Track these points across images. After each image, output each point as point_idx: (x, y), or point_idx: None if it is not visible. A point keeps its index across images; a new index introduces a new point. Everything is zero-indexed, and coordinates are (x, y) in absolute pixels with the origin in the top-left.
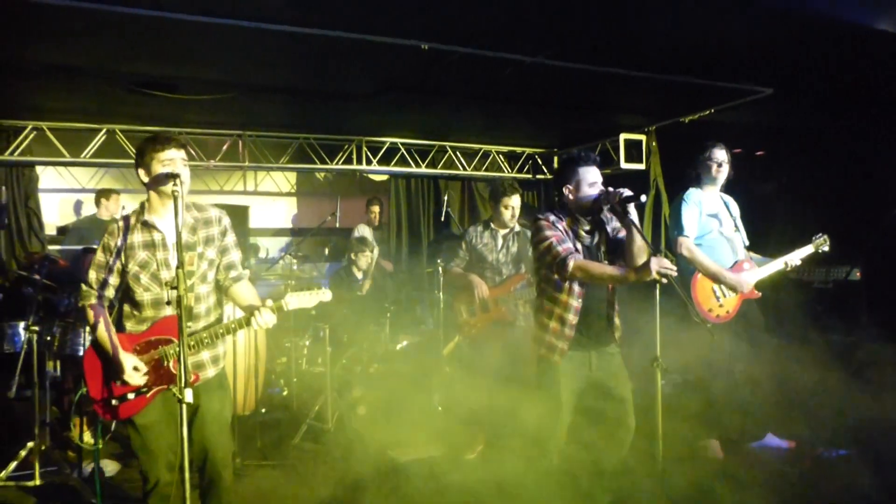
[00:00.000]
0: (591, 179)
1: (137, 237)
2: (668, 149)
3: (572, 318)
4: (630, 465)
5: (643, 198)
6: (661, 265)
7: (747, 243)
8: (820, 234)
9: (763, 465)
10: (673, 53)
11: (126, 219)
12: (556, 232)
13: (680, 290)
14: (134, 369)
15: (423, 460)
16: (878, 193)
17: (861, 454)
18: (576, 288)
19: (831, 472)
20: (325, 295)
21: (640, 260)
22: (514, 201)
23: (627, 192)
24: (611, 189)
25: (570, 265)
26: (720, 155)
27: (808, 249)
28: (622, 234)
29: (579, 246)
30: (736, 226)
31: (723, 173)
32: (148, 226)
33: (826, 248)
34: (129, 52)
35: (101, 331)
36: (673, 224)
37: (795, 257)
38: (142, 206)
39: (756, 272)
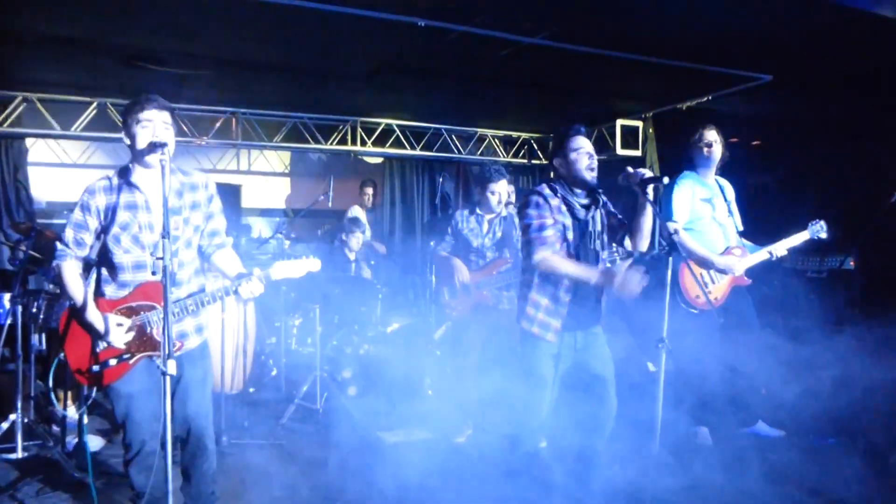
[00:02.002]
0: (575, 146)
1: (120, 197)
2: (665, 136)
3: (564, 296)
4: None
5: (665, 179)
6: (629, 284)
7: (741, 229)
8: (816, 221)
9: (752, 453)
10: (671, 38)
11: (108, 178)
12: (541, 212)
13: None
14: (117, 325)
15: (412, 443)
16: (873, 182)
17: (850, 443)
18: None
19: (820, 460)
20: (314, 264)
21: (644, 243)
22: (501, 186)
23: (649, 173)
24: (630, 169)
25: (535, 255)
26: (710, 135)
27: (803, 236)
28: (618, 217)
29: (569, 222)
30: (730, 211)
31: (715, 154)
32: (132, 186)
33: (823, 235)
34: (123, 23)
35: (79, 291)
36: (663, 209)
37: (783, 247)
38: (126, 167)
39: (748, 258)
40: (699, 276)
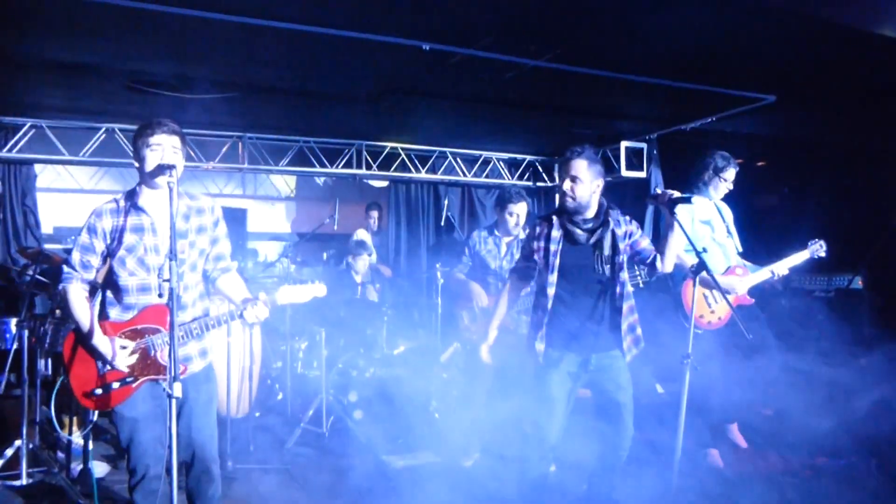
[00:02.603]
0: (562, 175)
1: (126, 220)
2: (670, 157)
3: (546, 318)
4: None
5: (694, 199)
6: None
7: (740, 249)
8: (815, 240)
9: (762, 474)
10: (675, 60)
11: (115, 201)
12: (529, 241)
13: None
14: (121, 348)
15: (419, 466)
16: (878, 201)
17: (859, 464)
18: (548, 286)
19: (830, 481)
20: (320, 290)
21: (669, 263)
22: (520, 209)
23: (676, 194)
24: (660, 191)
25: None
26: (732, 174)
27: (803, 255)
28: (636, 238)
29: (553, 247)
30: (728, 231)
31: (725, 190)
32: (138, 209)
33: (822, 254)
34: (130, 48)
35: (84, 314)
36: (664, 232)
37: (784, 266)
38: (133, 189)
39: (749, 278)
40: (703, 296)
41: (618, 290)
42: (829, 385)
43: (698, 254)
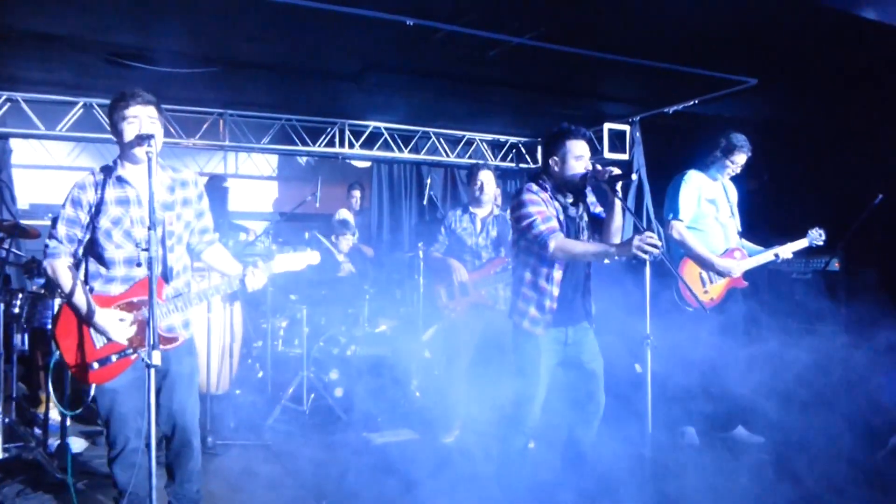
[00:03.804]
0: (577, 153)
1: (110, 192)
2: (652, 140)
3: (555, 290)
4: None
5: (634, 176)
6: (644, 241)
7: (740, 230)
8: (815, 228)
9: (739, 453)
10: (658, 40)
11: (93, 173)
12: (541, 207)
13: (671, 266)
14: (119, 321)
15: (400, 443)
16: (857, 185)
17: (833, 442)
18: (556, 263)
19: (807, 458)
20: (314, 257)
21: (616, 239)
22: (486, 176)
23: (616, 171)
24: (598, 166)
25: (550, 246)
26: (742, 159)
27: (802, 243)
28: (598, 209)
29: (563, 217)
30: (732, 212)
31: (731, 173)
32: (122, 181)
33: (821, 243)
34: (109, 20)
35: (77, 289)
36: (668, 205)
37: (788, 250)
38: (115, 161)
39: (746, 261)
40: (699, 275)
41: (591, 263)
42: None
43: (642, 229)
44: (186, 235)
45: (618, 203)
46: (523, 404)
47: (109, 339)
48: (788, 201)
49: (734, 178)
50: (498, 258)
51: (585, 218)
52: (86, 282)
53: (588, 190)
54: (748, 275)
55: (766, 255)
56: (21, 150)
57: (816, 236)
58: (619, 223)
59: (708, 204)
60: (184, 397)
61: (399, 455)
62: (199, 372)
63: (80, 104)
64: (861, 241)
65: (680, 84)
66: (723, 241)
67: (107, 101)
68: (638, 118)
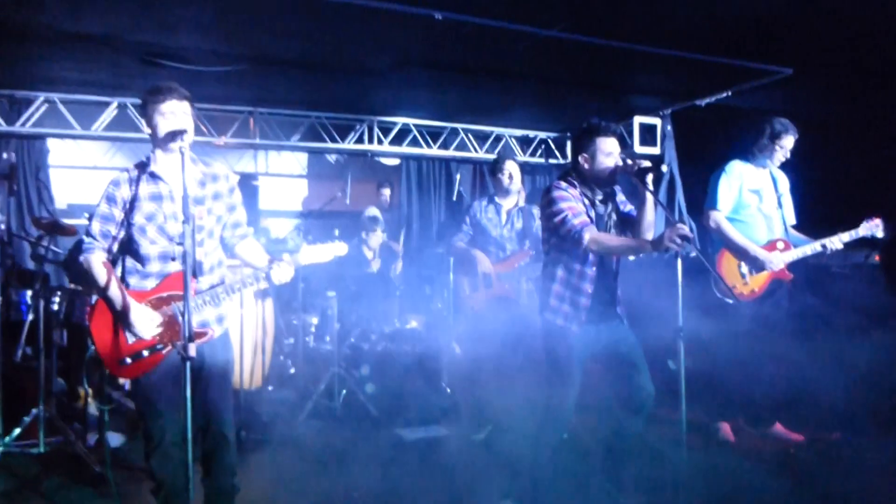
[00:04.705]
0: (607, 150)
1: (143, 189)
2: (684, 133)
3: (588, 287)
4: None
5: (664, 168)
6: (675, 233)
7: (793, 222)
8: (871, 218)
9: (774, 448)
10: (689, 30)
11: (128, 170)
12: (571, 203)
13: (703, 259)
14: (148, 318)
15: (431, 439)
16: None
17: (874, 440)
18: (591, 256)
19: (843, 456)
20: (340, 248)
21: (649, 235)
22: (512, 166)
23: (646, 163)
24: (628, 160)
25: (585, 239)
26: (791, 142)
27: (854, 233)
28: (628, 207)
29: (593, 214)
30: (779, 203)
31: (781, 158)
32: (155, 177)
33: (880, 234)
34: (142, 20)
35: (111, 283)
36: (708, 196)
37: (838, 241)
38: (148, 157)
39: (790, 252)
40: (738, 266)
41: (621, 259)
42: (842, 361)
43: (675, 222)
44: (219, 230)
45: (649, 197)
46: (557, 402)
47: (138, 336)
48: (825, 195)
49: (786, 167)
50: (522, 251)
51: (614, 217)
52: (123, 278)
53: (618, 189)
54: (795, 268)
55: (813, 246)
56: (58, 151)
57: (874, 226)
58: (651, 218)
59: (751, 194)
60: (219, 392)
61: (431, 451)
62: (233, 367)
63: (115, 104)
64: None
65: (712, 75)
66: (766, 233)
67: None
68: (669, 111)
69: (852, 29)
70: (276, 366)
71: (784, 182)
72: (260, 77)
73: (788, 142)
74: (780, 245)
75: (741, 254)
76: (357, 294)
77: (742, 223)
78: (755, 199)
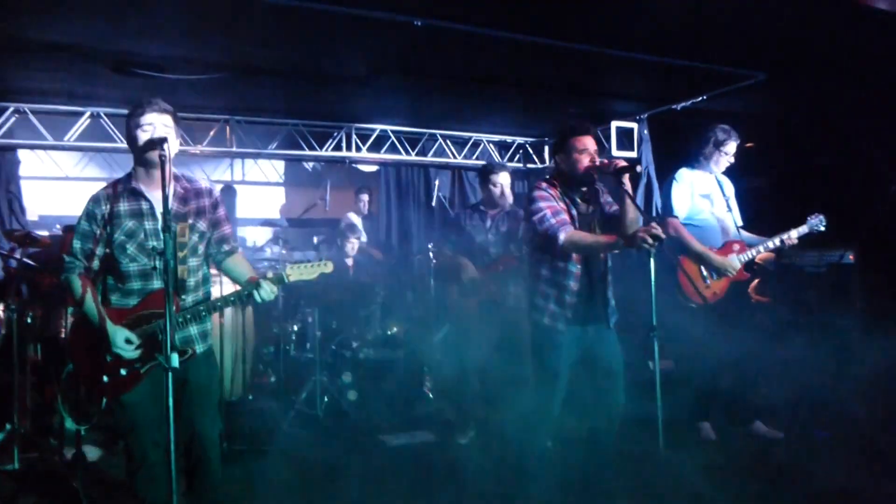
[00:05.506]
0: (580, 147)
1: (124, 205)
2: (659, 137)
3: (573, 285)
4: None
5: (639, 168)
6: (648, 232)
7: (740, 224)
8: (815, 214)
9: (754, 448)
10: (664, 35)
11: (112, 186)
12: (551, 202)
13: (672, 256)
14: (126, 342)
15: (415, 445)
16: (868, 178)
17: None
18: (574, 254)
19: (823, 454)
20: (327, 266)
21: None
22: (503, 178)
23: (622, 163)
24: (604, 159)
25: (560, 237)
26: (733, 148)
27: (802, 230)
28: (614, 207)
29: (574, 213)
30: (728, 206)
31: (726, 164)
32: (136, 194)
33: (822, 228)
34: (115, 29)
35: (89, 302)
36: (663, 204)
37: (788, 236)
38: (129, 174)
39: (745, 254)
40: (699, 269)
41: (609, 260)
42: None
43: (650, 220)
44: (203, 246)
45: (627, 197)
46: (543, 402)
47: (115, 354)
48: (796, 199)
49: (729, 178)
50: (507, 255)
51: (600, 217)
52: (104, 296)
53: (603, 189)
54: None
55: (772, 242)
56: (29, 162)
57: (816, 222)
58: (632, 216)
59: (702, 199)
60: (203, 407)
61: (415, 457)
62: (219, 383)
63: (88, 114)
64: (877, 233)
65: (687, 80)
66: (720, 236)
67: (114, 111)
68: (646, 115)
69: (823, 33)
70: (256, 375)
71: (729, 186)
72: (236, 85)
73: (731, 147)
74: (736, 247)
75: (700, 259)
76: (338, 301)
77: (698, 227)
78: (707, 204)
